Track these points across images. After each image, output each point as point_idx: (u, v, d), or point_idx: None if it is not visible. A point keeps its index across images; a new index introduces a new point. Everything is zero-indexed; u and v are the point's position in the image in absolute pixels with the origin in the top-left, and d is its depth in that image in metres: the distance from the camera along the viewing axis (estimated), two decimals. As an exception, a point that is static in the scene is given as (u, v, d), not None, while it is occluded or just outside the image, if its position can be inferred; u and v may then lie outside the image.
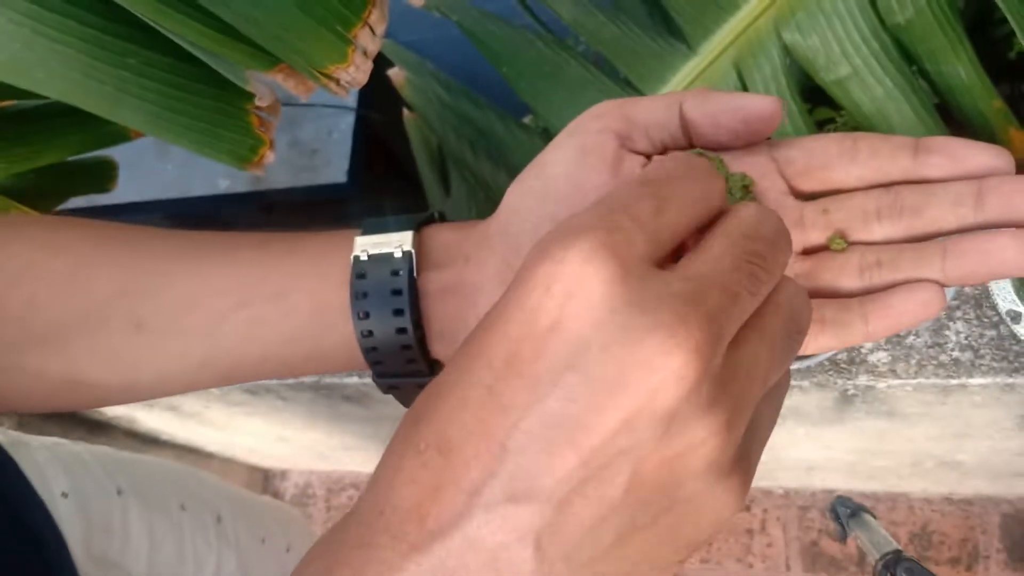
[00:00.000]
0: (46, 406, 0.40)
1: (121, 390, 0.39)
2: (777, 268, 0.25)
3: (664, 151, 0.35)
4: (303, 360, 0.38)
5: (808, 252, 0.32)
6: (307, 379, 0.93)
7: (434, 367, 0.38)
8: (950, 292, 0.77)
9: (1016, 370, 0.81)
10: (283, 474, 1.79)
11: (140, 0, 0.73)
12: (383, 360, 0.36)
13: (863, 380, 0.84)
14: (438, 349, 0.37)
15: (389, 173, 1.59)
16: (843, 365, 0.85)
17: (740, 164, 0.33)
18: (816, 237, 0.32)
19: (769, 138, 0.34)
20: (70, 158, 1.23)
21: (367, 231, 0.38)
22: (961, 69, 0.91)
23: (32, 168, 1.17)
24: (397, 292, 0.35)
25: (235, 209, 1.56)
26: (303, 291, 0.37)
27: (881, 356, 0.83)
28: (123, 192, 1.42)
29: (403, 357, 0.36)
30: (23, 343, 0.38)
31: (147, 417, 1.28)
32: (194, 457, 1.52)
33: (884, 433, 1.01)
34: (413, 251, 0.36)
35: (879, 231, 0.31)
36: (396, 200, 1.62)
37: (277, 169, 1.78)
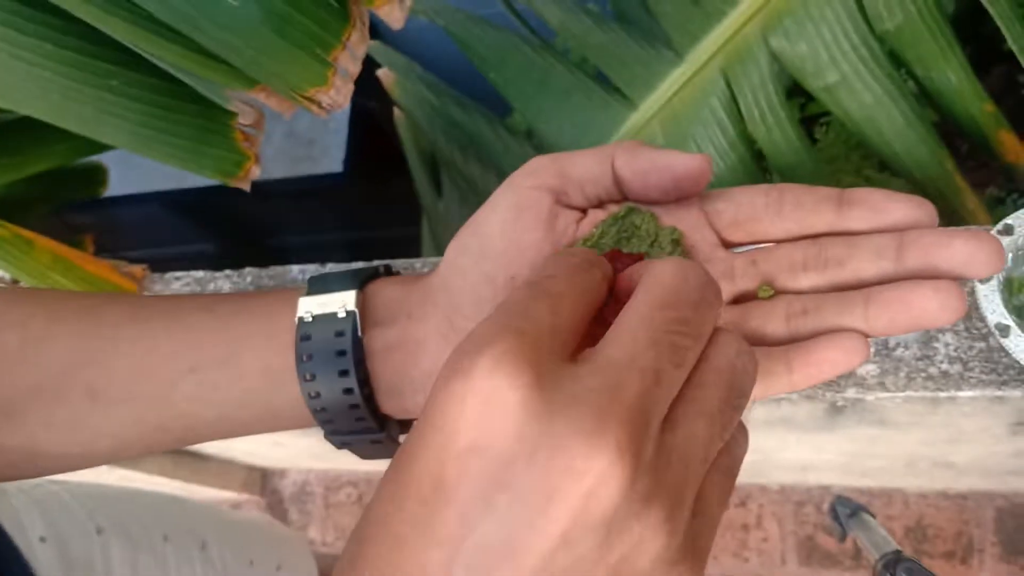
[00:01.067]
0: (6, 476, 0.40)
1: (81, 458, 0.39)
2: (704, 327, 0.24)
3: (600, 205, 0.35)
4: (256, 420, 0.38)
5: (737, 301, 0.32)
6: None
7: (384, 423, 0.38)
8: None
9: (1005, 383, 0.81)
10: (282, 473, 1.79)
11: (116, 23, 0.72)
12: (333, 419, 0.37)
13: (852, 393, 0.83)
14: (387, 405, 0.37)
15: (386, 163, 1.58)
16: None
17: (671, 217, 0.34)
18: (745, 285, 0.32)
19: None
20: (60, 165, 1.23)
21: (311, 290, 0.37)
22: (951, 74, 0.90)
23: (22, 177, 1.17)
24: (342, 353, 0.35)
25: (231, 200, 1.55)
26: (251, 354, 0.37)
27: (870, 368, 0.83)
28: (119, 185, 1.41)
29: (352, 416, 0.36)
30: None
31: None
32: (192, 459, 1.52)
33: (876, 439, 1.01)
34: (356, 310, 0.36)
35: (805, 281, 0.31)
36: (391, 191, 1.61)
37: (274, 159, 1.77)
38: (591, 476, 0.20)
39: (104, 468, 1.39)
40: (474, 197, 1.22)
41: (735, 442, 0.26)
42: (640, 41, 0.99)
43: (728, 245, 0.34)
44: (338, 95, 0.75)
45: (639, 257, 0.31)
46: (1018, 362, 0.79)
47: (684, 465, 0.22)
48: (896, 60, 0.90)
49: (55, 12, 0.73)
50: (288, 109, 0.84)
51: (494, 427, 0.21)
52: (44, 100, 0.78)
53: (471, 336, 0.23)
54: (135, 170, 1.72)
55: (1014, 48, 0.85)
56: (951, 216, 0.98)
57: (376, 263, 0.39)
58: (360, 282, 0.37)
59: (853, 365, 0.29)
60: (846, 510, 0.62)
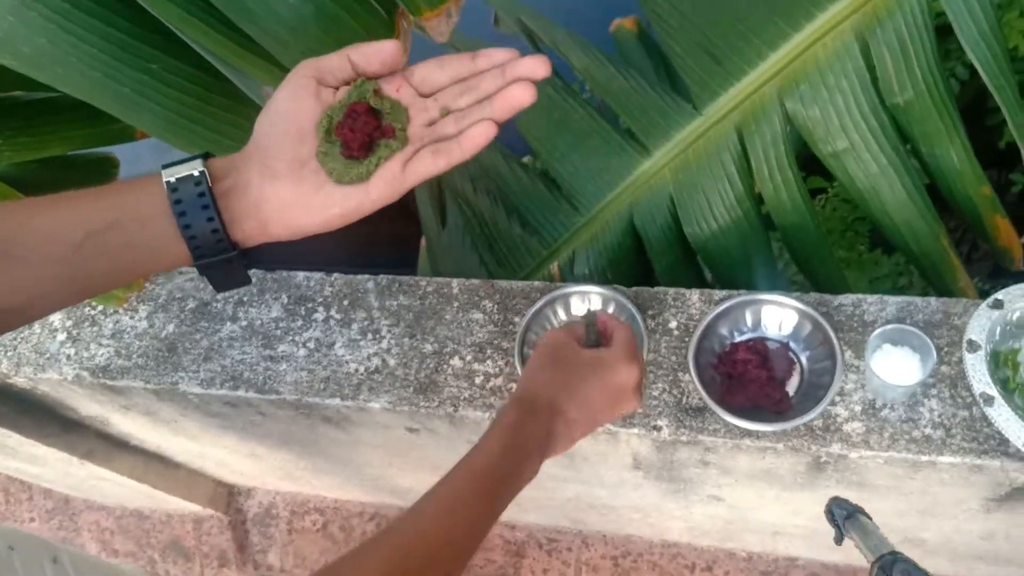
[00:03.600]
0: None
1: None
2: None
3: (348, 83, 0.56)
4: (142, 263, 0.53)
5: (431, 124, 0.56)
6: (289, 396, 0.93)
7: (236, 246, 0.54)
8: (927, 370, 0.78)
9: (985, 452, 0.83)
10: (248, 492, 1.77)
11: (168, 7, 0.75)
12: (201, 245, 0.52)
13: (836, 448, 0.85)
14: (234, 231, 0.54)
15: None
16: (818, 431, 0.86)
17: (388, 84, 0.56)
18: (434, 114, 0.56)
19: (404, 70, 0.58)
20: (73, 152, 1.24)
21: (167, 167, 0.53)
22: (954, 154, 0.94)
23: (36, 159, 1.18)
24: (202, 195, 0.52)
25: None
26: (133, 214, 0.52)
27: (856, 426, 0.85)
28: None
29: (213, 239, 0.52)
30: None
31: (122, 420, 1.27)
32: (161, 466, 1.50)
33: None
34: (205, 170, 0.52)
35: (463, 101, 0.56)
36: (394, 225, 1.63)
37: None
38: (631, 378, 0.71)
39: (75, 464, 1.37)
40: (480, 229, 1.24)
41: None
42: (660, 92, 1.03)
43: (422, 95, 0.57)
44: (375, 99, 0.77)
45: (367, 106, 0.55)
46: (999, 432, 0.81)
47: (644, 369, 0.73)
48: (902, 135, 0.94)
49: (109, -9, 0.75)
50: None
51: (587, 367, 0.72)
52: (86, 77, 0.80)
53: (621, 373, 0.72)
54: (141, 169, 1.72)
55: (1015, 134, 0.89)
56: (942, 291, 1.02)
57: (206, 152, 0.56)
58: (202, 157, 0.54)
59: (489, 135, 0.54)
60: (843, 512, 0.63)
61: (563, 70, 1.14)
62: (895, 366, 0.81)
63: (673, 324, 0.92)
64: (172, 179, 0.52)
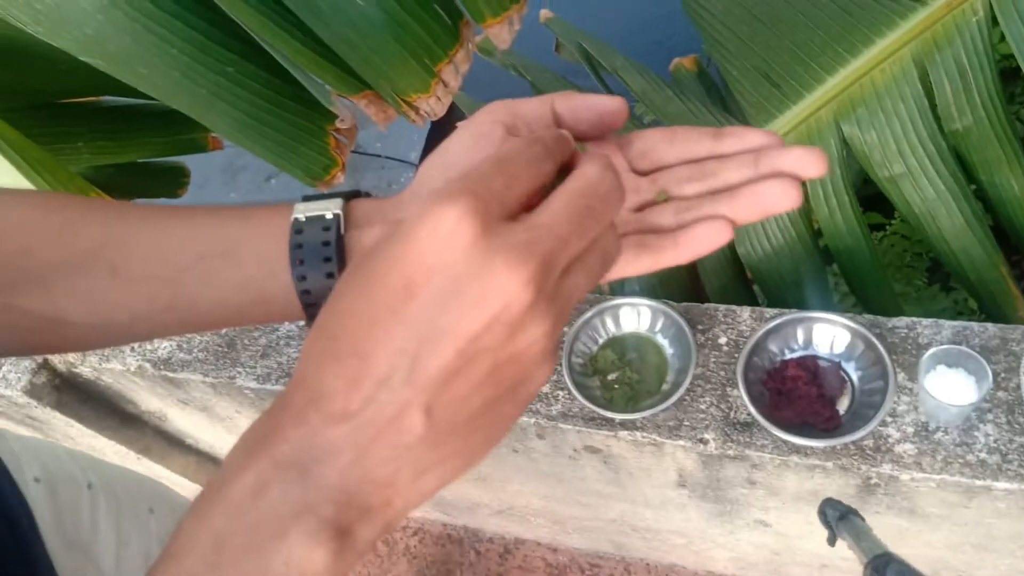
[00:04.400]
0: (28, 344, 0.46)
1: (97, 330, 0.45)
2: (606, 217, 0.34)
3: None
4: (250, 304, 0.45)
5: (642, 208, 0.44)
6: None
7: None
8: (983, 392, 0.77)
9: (1043, 479, 0.81)
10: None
11: (243, 9, 0.79)
12: (316, 302, 0.43)
13: (887, 469, 0.83)
14: None
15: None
16: (868, 451, 0.85)
17: (597, 150, 0.42)
18: (648, 196, 0.43)
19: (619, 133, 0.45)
20: (149, 159, 1.30)
21: (305, 200, 0.45)
22: (1014, 182, 0.93)
23: (113, 163, 1.24)
24: (326, 244, 0.43)
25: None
26: (250, 246, 0.44)
27: (908, 448, 0.83)
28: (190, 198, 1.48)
29: None
30: (16, 285, 0.44)
31: (179, 415, 1.30)
32: (213, 467, 1.53)
33: (904, 533, 0.99)
34: (341, 213, 0.44)
35: (690, 189, 0.42)
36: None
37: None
38: (510, 293, 0.30)
39: (131, 460, 1.41)
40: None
41: (608, 249, 0.35)
42: (715, 113, 1.04)
43: (636, 171, 0.44)
44: (437, 104, 0.81)
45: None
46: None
47: (568, 299, 0.32)
48: (961, 161, 0.94)
49: (194, -7, 0.80)
50: (385, 120, 0.90)
51: (453, 254, 0.30)
52: (165, 76, 0.84)
53: (443, 190, 0.31)
54: (203, 202, 1.80)
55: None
56: (1001, 321, 1.00)
57: (358, 189, 0.47)
58: (346, 197, 0.45)
59: (721, 240, 0.39)
60: (836, 513, 0.62)
61: (620, 92, 1.16)
62: (949, 387, 0.80)
63: (723, 340, 0.92)
64: (302, 216, 0.44)
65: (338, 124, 0.91)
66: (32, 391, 1.10)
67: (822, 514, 0.65)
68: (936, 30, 0.91)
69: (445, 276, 0.30)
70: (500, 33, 0.75)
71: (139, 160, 1.26)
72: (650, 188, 0.43)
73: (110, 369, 1.08)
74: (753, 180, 0.40)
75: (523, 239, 0.31)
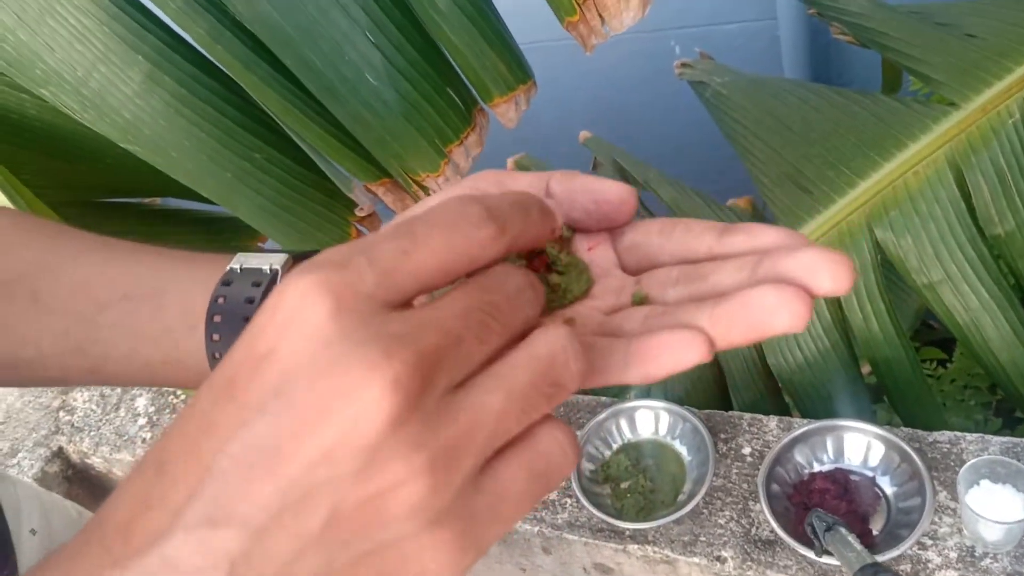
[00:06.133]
0: None
1: (3, 366, 0.41)
2: (514, 319, 0.25)
3: None
4: (162, 362, 0.39)
5: (613, 312, 0.33)
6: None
7: None
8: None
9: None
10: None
11: (270, 96, 0.82)
12: None
13: (929, 599, 0.74)
14: None
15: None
16: (907, 578, 0.75)
17: (584, 239, 0.35)
18: (624, 300, 0.33)
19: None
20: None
21: (254, 251, 0.39)
22: (1066, 292, 0.87)
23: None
24: (250, 301, 0.36)
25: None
26: (178, 293, 0.39)
27: (950, 574, 0.73)
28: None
29: None
30: None
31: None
32: None
33: None
34: (280, 270, 0.37)
35: (673, 293, 0.31)
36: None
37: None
38: (362, 401, 0.21)
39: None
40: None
41: (548, 442, 0.25)
42: (747, 220, 1.02)
43: (624, 268, 0.34)
44: (446, 184, 0.81)
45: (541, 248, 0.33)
46: None
47: (467, 428, 0.22)
48: (1008, 267, 0.89)
49: (221, 80, 0.84)
50: (402, 208, 0.90)
51: (292, 343, 0.22)
52: (193, 159, 0.87)
53: (316, 256, 0.24)
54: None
55: None
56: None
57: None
58: (297, 254, 0.39)
59: (689, 361, 0.27)
60: (823, 524, 0.57)
61: (651, 203, 1.16)
62: (995, 504, 0.71)
63: (747, 450, 0.86)
64: (237, 267, 0.37)
65: (357, 212, 0.92)
66: (43, 480, 1.09)
67: (809, 526, 0.61)
68: (971, 132, 0.88)
69: (275, 371, 0.22)
70: (507, 112, 0.76)
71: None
72: (632, 288, 0.33)
73: (120, 460, 1.06)
74: (750, 287, 0.28)
75: (395, 331, 0.22)
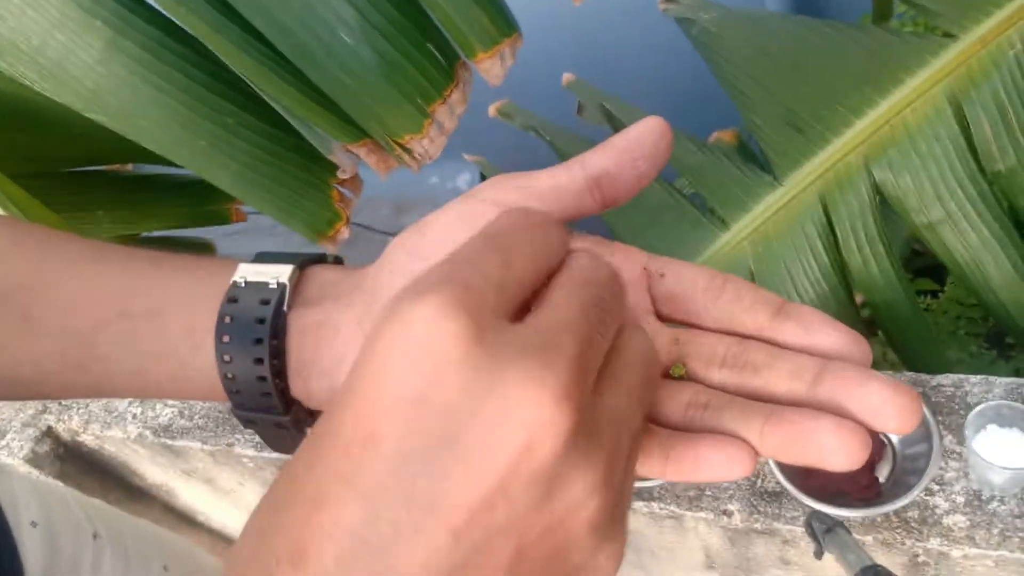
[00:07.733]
0: None
1: (2, 384, 0.39)
2: (618, 310, 0.25)
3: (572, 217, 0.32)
4: (169, 379, 0.37)
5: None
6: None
7: (291, 406, 0.35)
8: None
9: (1121, 556, 0.70)
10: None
11: (241, 58, 0.77)
12: (240, 390, 0.35)
13: (935, 544, 0.74)
14: (297, 386, 0.35)
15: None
16: (913, 524, 0.75)
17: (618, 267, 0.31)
18: (662, 359, 0.30)
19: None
20: (171, 232, 1.30)
21: (255, 260, 0.37)
22: (1068, 227, 0.86)
23: (133, 234, 1.23)
24: (260, 321, 0.34)
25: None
26: (179, 309, 0.37)
27: (958, 519, 0.73)
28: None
29: (258, 389, 0.34)
30: None
31: (186, 489, 1.25)
32: (226, 547, 1.47)
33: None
34: (288, 284, 0.35)
35: (717, 375, 0.29)
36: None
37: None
38: (535, 424, 0.19)
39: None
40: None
41: (642, 348, 0.25)
42: (738, 163, 1.00)
43: (658, 316, 0.32)
44: (431, 145, 0.77)
45: None
46: None
47: (617, 429, 0.22)
48: (1009, 204, 0.87)
49: (189, 44, 0.79)
50: (386, 169, 0.87)
51: (437, 379, 0.20)
52: (164, 129, 0.83)
53: (415, 282, 0.21)
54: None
55: None
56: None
57: (326, 253, 0.39)
58: (302, 262, 0.36)
59: (730, 475, 0.26)
60: (823, 526, 0.57)
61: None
62: (1002, 448, 0.71)
63: (749, 401, 0.85)
64: (241, 281, 0.36)
65: (339, 175, 0.88)
66: (34, 460, 1.07)
67: (808, 527, 0.62)
68: (970, 65, 0.85)
69: (424, 414, 0.20)
70: (492, 68, 0.72)
71: (162, 234, 1.26)
72: (668, 348, 0.30)
73: (111, 437, 1.04)
74: (804, 402, 0.26)
75: (537, 342, 0.20)
